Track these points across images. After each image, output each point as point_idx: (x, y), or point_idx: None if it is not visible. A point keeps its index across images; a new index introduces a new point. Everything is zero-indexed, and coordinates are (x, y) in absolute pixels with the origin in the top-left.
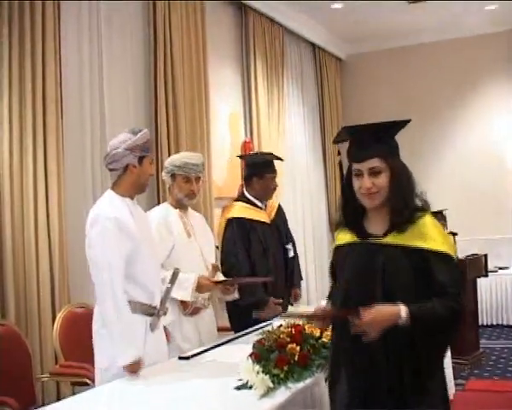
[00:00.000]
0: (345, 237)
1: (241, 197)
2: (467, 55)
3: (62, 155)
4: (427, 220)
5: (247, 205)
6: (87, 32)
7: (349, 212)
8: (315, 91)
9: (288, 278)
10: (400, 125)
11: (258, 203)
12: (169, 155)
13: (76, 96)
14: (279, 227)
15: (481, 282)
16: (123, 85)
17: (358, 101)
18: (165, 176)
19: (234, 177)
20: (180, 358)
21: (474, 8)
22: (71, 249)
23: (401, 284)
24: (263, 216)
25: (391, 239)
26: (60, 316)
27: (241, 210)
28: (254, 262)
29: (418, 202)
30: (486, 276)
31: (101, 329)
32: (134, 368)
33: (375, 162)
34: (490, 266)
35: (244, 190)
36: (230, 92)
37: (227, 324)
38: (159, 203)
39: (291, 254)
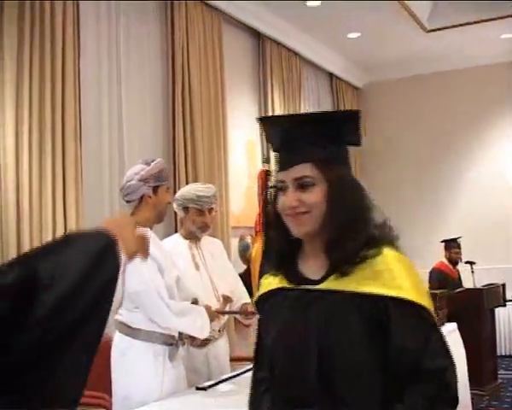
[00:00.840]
0: (271, 283)
1: None
2: (483, 84)
3: (81, 172)
4: (389, 256)
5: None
6: (106, 62)
7: (275, 244)
8: None
9: None
10: (348, 116)
11: None
12: (187, 183)
13: (95, 124)
14: None
15: (499, 311)
16: (142, 116)
17: (375, 129)
18: (176, 208)
19: (251, 206)
20: (197, 388)
21: (491, 36)
22: None
23: (345, 357)
24: None
25: (331, 284)
26: None
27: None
28: None
29: (374, 231)
30: (504, 305)
31: (120, 357)
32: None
33: (304, 170)
34: (508, 296)
35: None
36: (248, 120)
37: (245, 354)
38: (176, 232)
39: None
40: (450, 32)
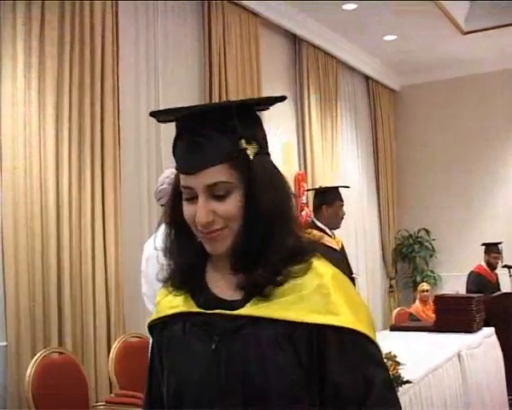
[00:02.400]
0: (172, 303)
1: (312, 226)
2: None
3: (119, 186)
4: (320, 272)
5: (319, 232)
6: (144, 64)
7: (178, 252)
8: (368, 123)
9: None
10: (266, 102)
11: (328, 231)
12: None
13: (133, 125)
14: (346, 257)
15: None
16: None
17: (412, 132)
18: None
19: None
20: None
21: None
22: (126, 281)
23: (278, 398)
24: (333, 243)
25: (252, 309)
26: (115, 346)
27: (314, 235)
28: None
29: (301, 240)
30: None
31: None
32: None
33: (218, 174)
34: None
35: (314, 219)
36: (284, 123)
37: None
38: None
39: (357, 282)
40: (487, 34)
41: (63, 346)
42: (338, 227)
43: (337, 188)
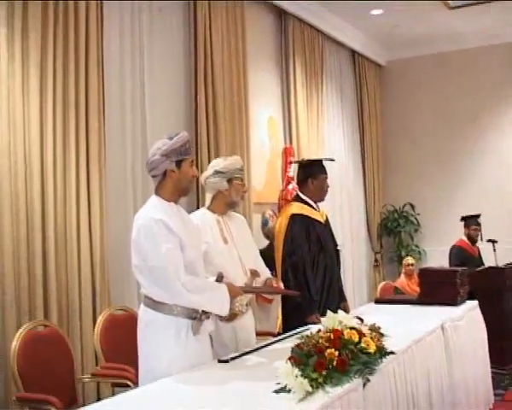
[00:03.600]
0: None
1: (297, 199)
2: (506, 62)
3: (104, 161)
4: None
5: (304, 205)
6: (129, 38)
7: None
8: (354, 97)
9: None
10: None
11: (313, 204)
12: (209, 160)
13: (118, 102)
14: (331, 230)
15: None
16: (164, 91)
17: (398, 107)
18: (218, 182)
19: (273, 182)
20: (219, 361)
21: None
22: (111, 254)
23: None
24: (318, 216)
25: None
26: (101, 319)
27: (299, 208)
28: (313, 258)
29: None
30: None
31: (144, 329)
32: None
33: None
34: None
35: (298, 192)
36: (270, 97)
37: (266, 328)
38: (198, 208)
39: (342, 255)
40: (474, 10)
41: (48, 319)
42: (323, 200)
43: (322, 161)
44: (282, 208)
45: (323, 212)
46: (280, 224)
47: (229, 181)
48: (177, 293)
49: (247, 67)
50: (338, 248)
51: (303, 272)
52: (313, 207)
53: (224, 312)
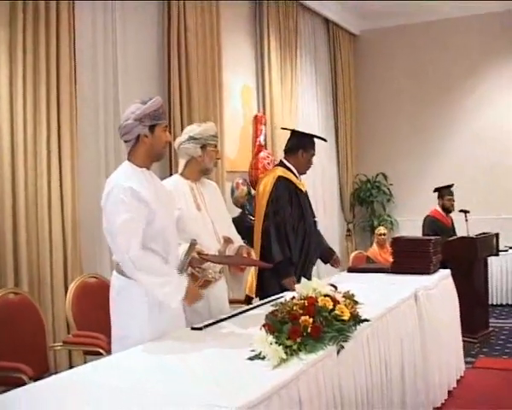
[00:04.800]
0: None
1: (281, 165)
2: (480, 32)
3: (76, 127)
4: None
5: (288, 171)
6: (102, 1)
7: None
8: (328, 67)
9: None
10: None
11: (296, 173)
12: (182, 128)
13: (89, 67)
14: (309, 201)
15: (492, 261)
16: (137, 57)
17: (371, 76)
18: (192, 148)
19: (246, 151)
20: (193, 328)
21: None
22: (83, 221)
23: None
24: (301, 185)
25: None
26: (72, 286)
27: (285, 172)
28: (294, 224)
29: None
30: (497, 255)
31: (116, 296)
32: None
33: None
34: (501, 246)
35: (284, 159)
36: (244, 66)
37: (239, 296)
38: (171, 174)
39: (318, 226)
40: None
41: (19, 287)
42: (304, 173)
43: (315, 136)
44: (269, 171)
45: (304, 183)
46: (265, 184)
47: (203, 147)
48: (125, 266)
49: (222, 36)
50: (315, 219)
51: (285, 232)
52: (296, 176)
53: (172, 303)
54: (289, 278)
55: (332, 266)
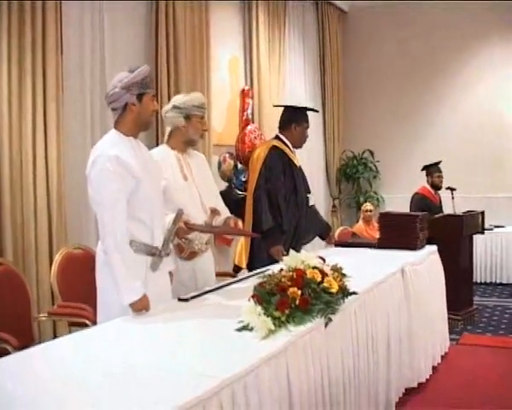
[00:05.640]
0: None
1: (277, 139)
2: (470, 13)
3: (62, 96)
4: None
5: (283, 145)
6: None
7: None
8: (316, 42)
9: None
10: None
11: (291, 148)
12: (169, 98)
13: (76, 36)
14: (305, 177)
15: (477, 239)
16: (123, 27)
17: (360, 53)
18: (175, 117)
19: (233, 125)
20: (179, 299)
21: None
22: (68, 191)
23: None
24: (296, 158)
25: None
26: (58, 257)
27: (280, 144)
28: (286, 195)
29: None
30: (483, 233)
31: (103, 266)
32: (141, 305)
33: None
34: (485, 224)
35: (279, 134)
36: (232, 38)
37: (226, 269)
38: (157, 144)
39: (311, 202)
40: None
41: (3, 257)
42: (300, 147)
43: (306, 109)
44: (264, 141)
45: (298, 158)
46: (259, 153)
47: (187, 118)
48: (104, 239)
49: (209, 7)
50: (309, 195)
51: (276, 201)
52: (291, 151)
53: (125, 300)
54: (277, 246)
55: (326, 242)
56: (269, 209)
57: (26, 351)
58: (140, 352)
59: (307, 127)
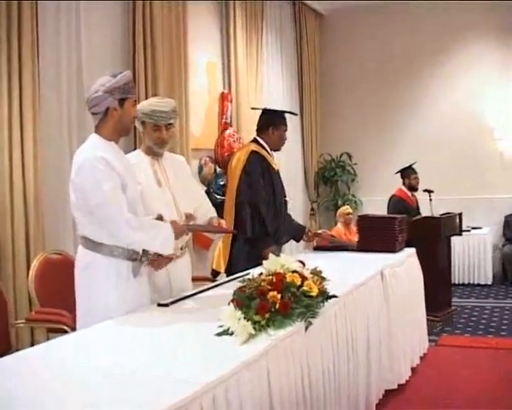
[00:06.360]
0: None
1: (255, 142)
2: (450, 13)
3: (38, 101)
4: None
5: (261, 148)
6: None
7: None
8: (294, 45)
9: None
10: None
11: (270, 151)
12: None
13: (53, 39)
14: (281, 181)
15: (455, 241)
16: (101, 33)
17: (337, 56)
18: (136, 123)
19: (211, 128)
20: (159, 305)
21: None
22: (46, 196)
23: None
24: (273, 163)
25: None
26: (35, 262)
27: (258, 149)
28: (265, 198)
29: None
30: (460, 234)
31: (83, 271)
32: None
33: None
34: (463, 226)
35: (257, 137)
36: (209, 42)
37: (204, 273)
38: (135, 149)
39: (289, 206)
40: None
41: None
42: (279, 150)
43: (284, 112)
44: (243, 146)
45: (276, 162)
46: (238, 158)
47: (143, 124)
48: (121, 231)
49: (187, 11)
50: (286, 198)
51: (258, 206)
52: (269, 154)
53: (167, 250)
54: (268, 248)
55: (306, 241)
56: (253, 215)
57: (3, 359)
58: (120, 357)
59: (285, 130)
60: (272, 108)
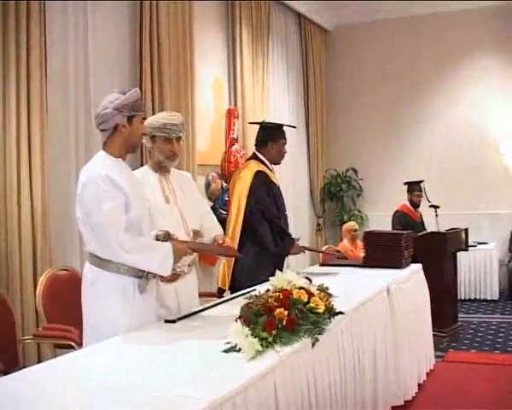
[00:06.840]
0: None
1: (254, 157)
2: (454, 30)
3: (46, 118)
4: None
5: (262, 164)
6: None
7: None
8: (299, 61)
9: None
10: None
11: (270, 166)
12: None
13: (60, 57)
14: (282, 195)
15: (461, 256)
16: (108, 48)
17: (343, 71)
18: (144, 139)
19: (217, 144)
20: (166, 321)
21: None
22: (53, 212)
23: None
24: (275, 177)
25: None
26: (43, 278)
27: (260, 166)
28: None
29: None
30: (466, 250)
31: (89, 288)
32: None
33: None
34: (469, 241)
35: (256, 152)
36: (216, 59)
37: (210, 289)
38: (142, 166)
39: (289, 221)
40: None
41: None
42: (279, 163)
43: (282, 125)
44: (243, 165)
45: (276, 176)
46: (244, 178)
47: (153, 139)
48: (114, 252)
49: (194, 28)
50: (285, 213)
51: (274, 220)
52: (269, 169)
53: (166, 272)
54: (293, 245)
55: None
56: (270, 234)
57: (12, 375)
58: (126, 374)
59: (284, 143)
60: (272, 122)
